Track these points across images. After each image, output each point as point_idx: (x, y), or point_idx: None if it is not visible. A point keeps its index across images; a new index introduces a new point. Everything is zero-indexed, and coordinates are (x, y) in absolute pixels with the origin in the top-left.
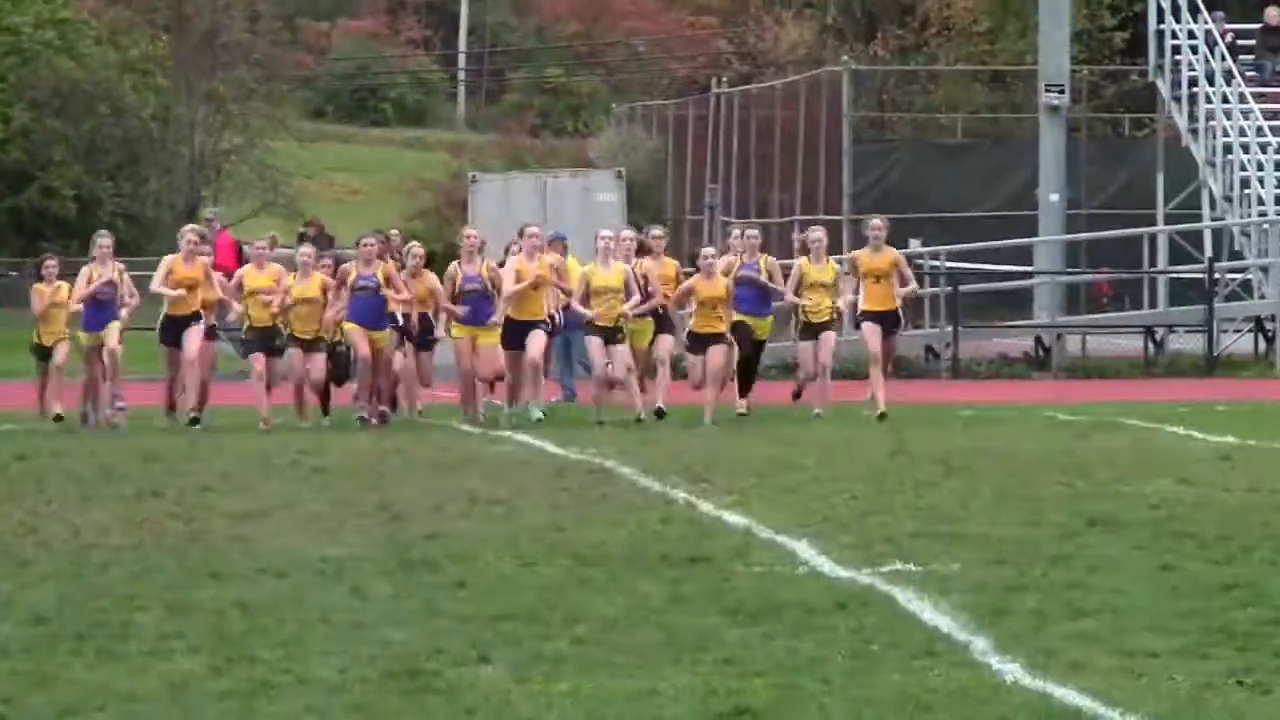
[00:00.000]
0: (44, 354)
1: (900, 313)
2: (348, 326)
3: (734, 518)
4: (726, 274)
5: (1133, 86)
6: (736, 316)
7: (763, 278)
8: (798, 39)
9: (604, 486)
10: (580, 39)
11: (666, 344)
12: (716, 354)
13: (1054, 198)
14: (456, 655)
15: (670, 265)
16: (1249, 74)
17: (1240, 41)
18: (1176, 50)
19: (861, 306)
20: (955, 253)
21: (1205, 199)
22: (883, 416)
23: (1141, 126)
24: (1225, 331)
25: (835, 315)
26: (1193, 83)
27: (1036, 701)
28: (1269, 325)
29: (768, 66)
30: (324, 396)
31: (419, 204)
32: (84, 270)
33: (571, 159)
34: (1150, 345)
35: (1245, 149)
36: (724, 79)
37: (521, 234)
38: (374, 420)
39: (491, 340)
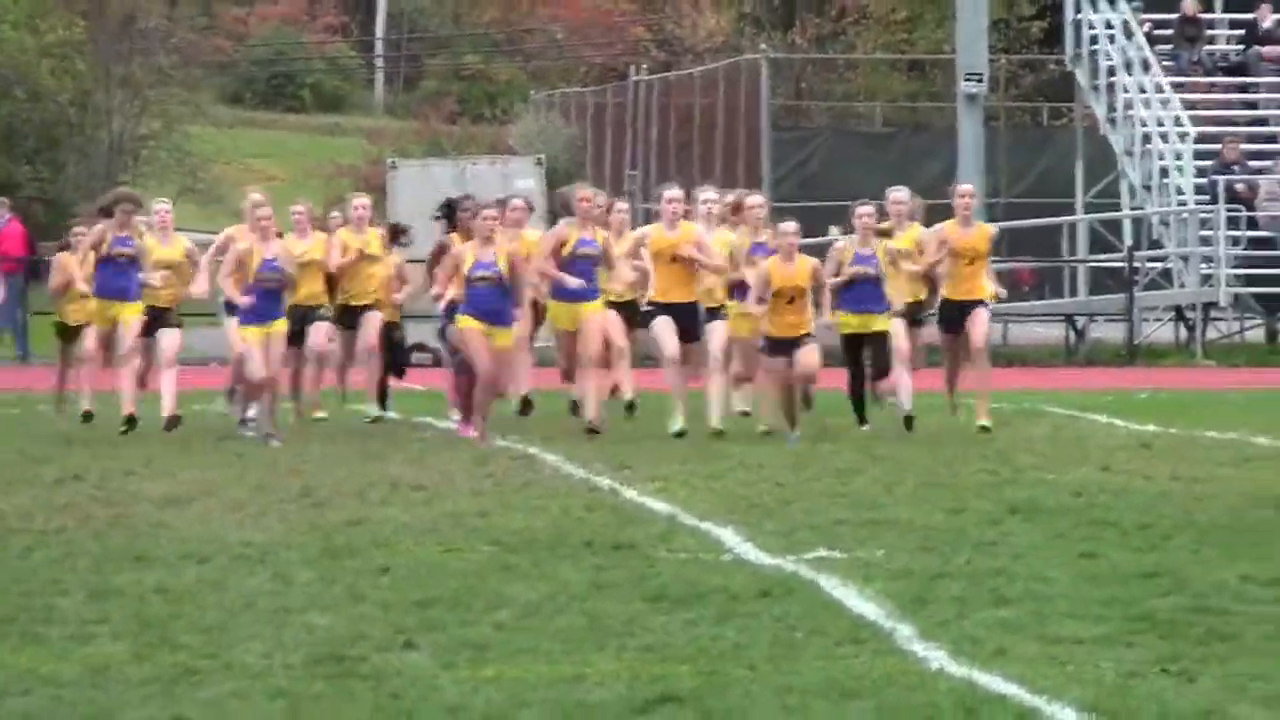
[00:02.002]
0: (69, 335)
1: (988, 306)
2: (463, 324)
3: (658, 504)
4: (838, 270)
5: (1051, 76)
6: (845, 319)
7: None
8: (716, 27)
9: (527, 473)
10: (498, 26)
11: (719, 335)
12: (808, 355)
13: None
14: (381, 641)
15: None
16: (1166, 63)
17: (1158, 31)
18: (1094, 40)
19: (945, 294)
20: None
21: (1124, 188)
22: (984, 429)
23: (1060, 116)
24: (1145, 320)
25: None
26: (1111, 72)
27: (962, 689)
28: (1189, 314)
29: (686, 54)
30: (383, 390)
31: (337, 190)
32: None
33: (490, 145)
34: (1071, 333)
35: (1164, 138)
36: (643, 66)
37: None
38: (483, 442)
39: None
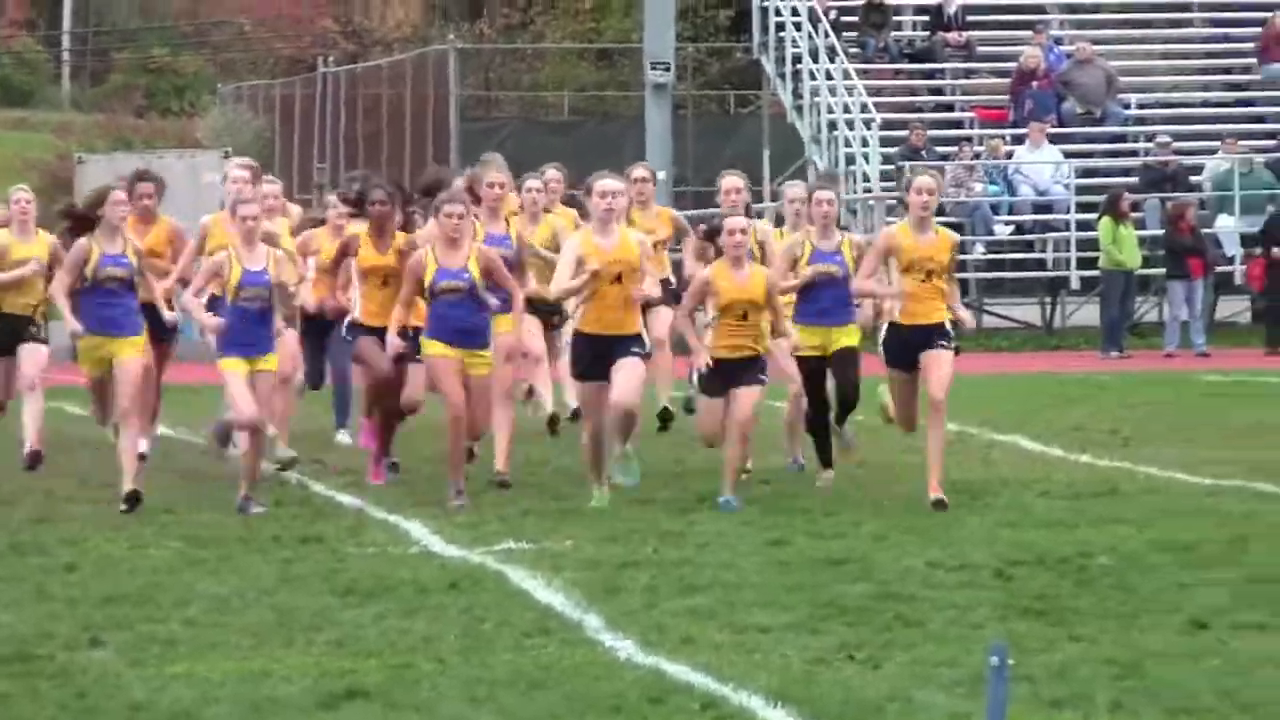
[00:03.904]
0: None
1: (950, 329)
2: (432, 351)
3: (346, 498)
4: (793, 266)
5: (737, 64)
6: (804, 335)
7: (848, 268)
8: (404, 17)
9: (215, 468)
10: (185, 18)
11: (665, 320)
12: (745, 399)
13: (661, 175)
14: (67, 639)
15: (666, 214)
16: (852, 51)
17: (844, 18)
18: (780, 27)
19: (894, 317)
20: None
21: (811, 175)
22: (940, 504)
23: (747, 104)
24: None
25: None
26: (797, 60)
27: (649, 678)
28: None
29: (375, 45)
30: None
31: (27, 184)
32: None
33: (178, 139)
34: None
35: (850, 125)
36: (330, 58)
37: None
38: (461, 502)
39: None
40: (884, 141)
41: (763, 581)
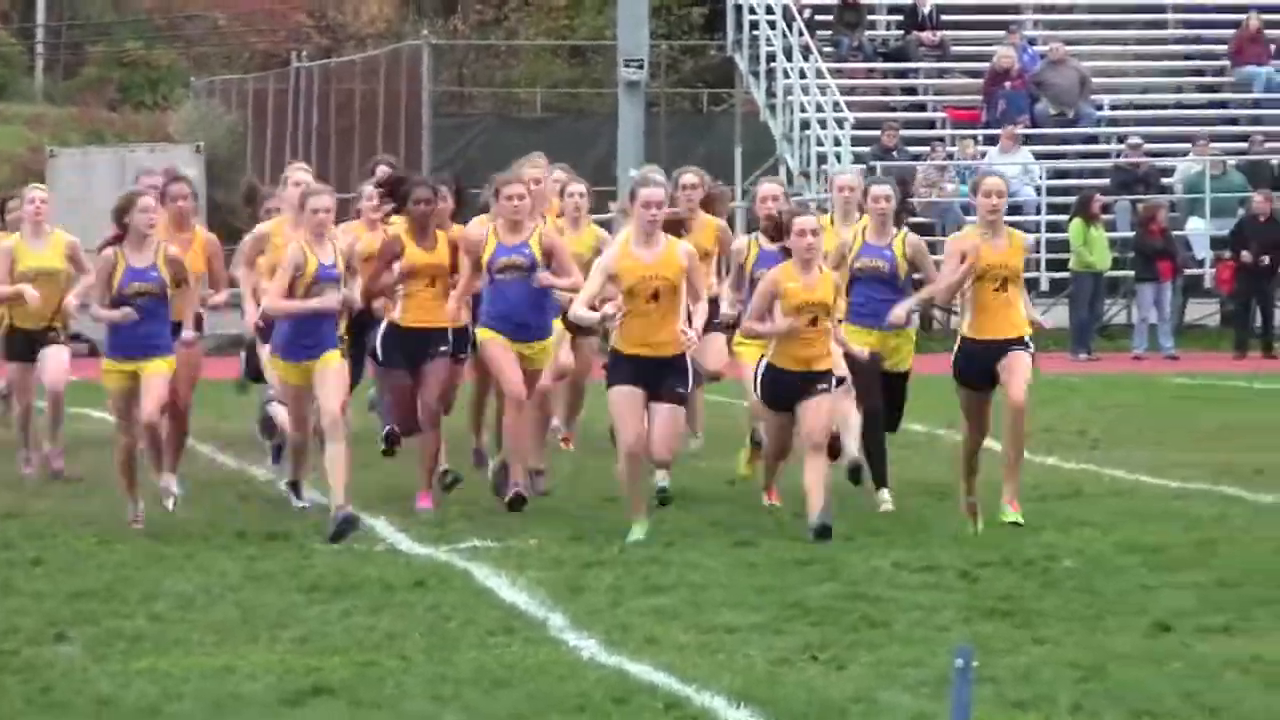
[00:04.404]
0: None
1: (1030, 343)
2: (484, 338)
3: (311, 494)
4: (843, 262)
5: (711, 62)
6: (855, 336)
7: (899, 266)
8: (378, 13)
9: (181, 465)
10: (159, 12)
11: (717, 348)
12: (816, 411)
13: (633, 172)
14: (33, 634)
15: (711, 226)
16: (826, 50)
17: (818, 17)
18: (754, 25)
19: (965, 331)
20: None
21: (783, 174)
22: (1015, 524)
23: (720, 102)
24: None
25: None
26: (770, 58)
27: (613, 677)
28: None
29: (348, 40)
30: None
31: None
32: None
33: (150, 133)
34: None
35: (822, 124)
36: (304, 53)
37: (632, 198)
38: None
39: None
40: (856, 141)
41: (729, 582)
